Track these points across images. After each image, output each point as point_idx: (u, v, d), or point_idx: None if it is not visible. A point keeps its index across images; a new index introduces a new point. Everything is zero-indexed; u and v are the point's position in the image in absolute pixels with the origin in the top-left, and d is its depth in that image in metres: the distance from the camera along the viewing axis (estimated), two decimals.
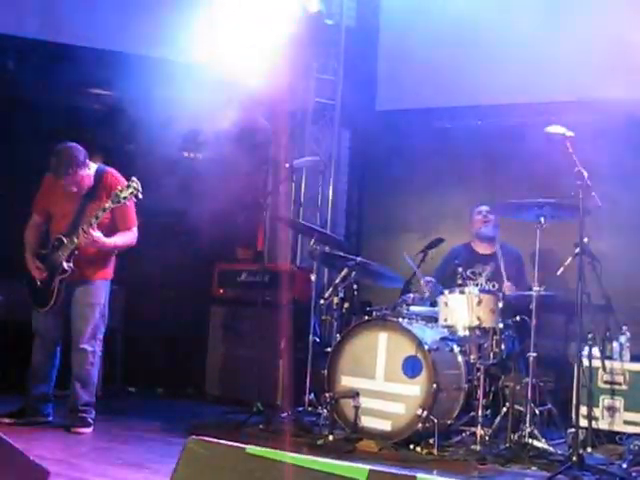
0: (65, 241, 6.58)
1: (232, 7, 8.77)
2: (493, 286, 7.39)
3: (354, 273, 7.16)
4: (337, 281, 7.22)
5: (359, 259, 7.24)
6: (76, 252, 6.57)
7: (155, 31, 8.27)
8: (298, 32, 8.92)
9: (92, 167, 6.76)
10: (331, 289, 7.23)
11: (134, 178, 6.41)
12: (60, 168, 6.55)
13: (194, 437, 2.90)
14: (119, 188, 6.40)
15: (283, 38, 8.73)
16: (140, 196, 6.44)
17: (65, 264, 6.56)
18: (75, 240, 6.51)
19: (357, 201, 10.23)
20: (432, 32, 9.17)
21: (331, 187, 9.73)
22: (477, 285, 7.21)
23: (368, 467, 2.68)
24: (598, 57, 7.97)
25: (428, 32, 9.22)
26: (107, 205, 6.42)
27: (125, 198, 6.39)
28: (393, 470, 2.84)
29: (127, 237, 6.78)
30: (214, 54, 8.72)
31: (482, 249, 7.81)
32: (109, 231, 6.64)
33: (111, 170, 6.79)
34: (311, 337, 7.47)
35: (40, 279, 6.69)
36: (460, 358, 6.62)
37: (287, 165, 8.02)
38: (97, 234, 6.46)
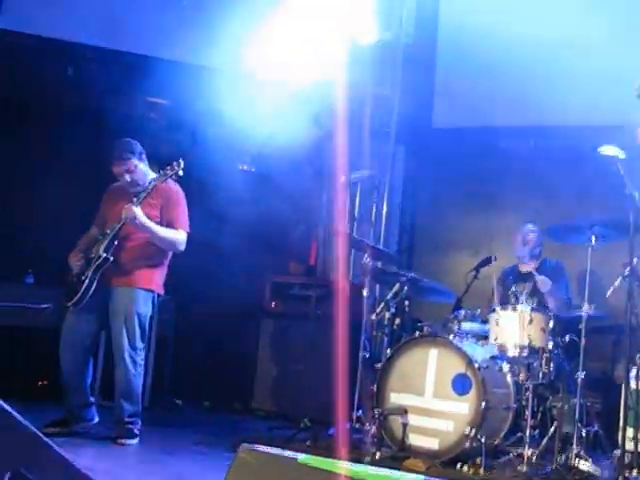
0: (108, 231, 6.55)
1: (294, 22, 8.85)
2: (533, 302, 7.36)
3: (406, 289, 7.15)
4: (389, 297, 7.20)
5: (411, 275, 7.23)
6: (116, 242, 6.51)
7: (217, 43, 8.34)
8: (356, 48, 8.97)
9: (150, 172, 6.76)
10: (382, 305, 7.22)
11: (180, 159, 6.41)
12: (115, 153, 6.60)
13: (246, 445, 2.91)
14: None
15: (341, 54, 8.78)
16: (181, 173, 6.40)
17: (102, 251, 6.48)
18: (116, 225, 6.48)
19: (410, 217, 10.24)
20: (489, 50, 9.18)
21: (385, 203, 9.74)
22: (519, 303, 7.18)
23: (423, 477, 2.71)
24: None
25: (485, 50, 9.22)
26: (151, 184, 6.43)
27: (166, 175, 6.37)
28: None
29: (173, 233, 6.67)
30: (273, 68, 8.79)
31: (524, 267, 7.83)
32: None
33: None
34: (361, 353, 7.47)
35: (76, 272, 6.62)
36: (509, 377, 6.59)
37: (342, 179, 8.02)
38: (138, 210, 6.40)
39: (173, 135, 8.76)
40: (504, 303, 7.13)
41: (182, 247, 6.76)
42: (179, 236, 6.71)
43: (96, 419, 6.82)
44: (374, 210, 9.64)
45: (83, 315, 6.63)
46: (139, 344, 6.65)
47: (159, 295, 6.88)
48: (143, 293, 6.69)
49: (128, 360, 6.58)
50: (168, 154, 7.98)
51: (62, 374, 6.68)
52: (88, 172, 7.16)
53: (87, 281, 6.49)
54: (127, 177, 6.65)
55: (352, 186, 8.51)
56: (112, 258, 6.51)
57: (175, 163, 6.41)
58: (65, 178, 8.78)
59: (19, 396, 5.18)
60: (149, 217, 6.51)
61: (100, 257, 6.48)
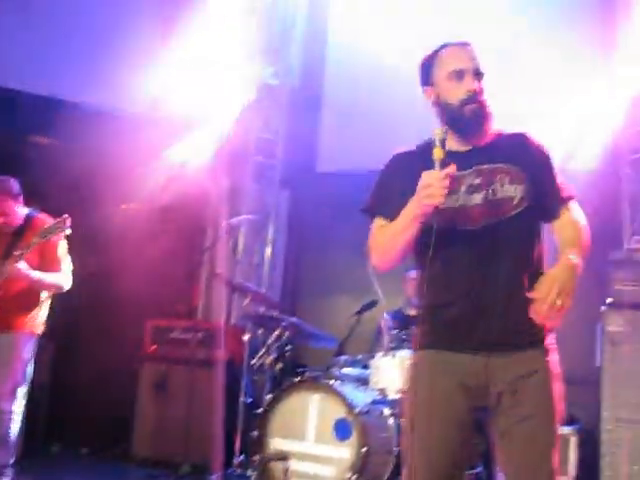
0: None
1: (180, 63, 8.82)
2: None
3: (287, 333, 7.12)
4: (270, 341, 7.16)
5: (292, 320, 7.21)
6: None
7: (102, 80, 8.26)
8: (242, 92, 8.98)
9: (23, 210, 6.51)
10: (264, 349, 7.19)
11: (65, 215, 6.10)
12: None
13: None
14: (46, 225, 6.13)
15: (227, 97, 8.78)
16: (68, 232, 6.15)
17: None
18: None
19: (294, 261, 10.22)
20: (376, 95, 9.25)
21: (269, 246, 9.73)
22: (405, 348, 7.16)
23: None
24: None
25: (372, 95, 9.30)
26: (33, 240, 6.10)
27: (51, 233, 6.08)
28: None
29: (56, 277, 6.41)
30: (158, 106, 8.74)
31: (413, 312, 7.82)
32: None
33: (41, 215, 6.50)
34: (242, 398, 7.40)
35: None
36: (391, 421, 6.56)
37: (225, 222, 7.99)
38: (23, 266, 6.13)
39: (57, 174, 8.56)
40: (387, 348, 7.12)
41: (67, 286, 6.53)
42: (63, 277, 6.47)
43: None
44: (257, 254, 9.63)
45: None
46: (20, 391, 6.39)
47: (39, 335, 6.59)
48: (25, 337, 6.43)
49: (7, 409, 6.30)
50: (51, 193, 7.85)
51: None
52: None
53: None
54: (0, 219, 6.42)
55: (235, 229, 8.48)
56: None
57: (61, 219, 6.10)
58: None
59: None
60: (28, 262, 6.26)
61: None
